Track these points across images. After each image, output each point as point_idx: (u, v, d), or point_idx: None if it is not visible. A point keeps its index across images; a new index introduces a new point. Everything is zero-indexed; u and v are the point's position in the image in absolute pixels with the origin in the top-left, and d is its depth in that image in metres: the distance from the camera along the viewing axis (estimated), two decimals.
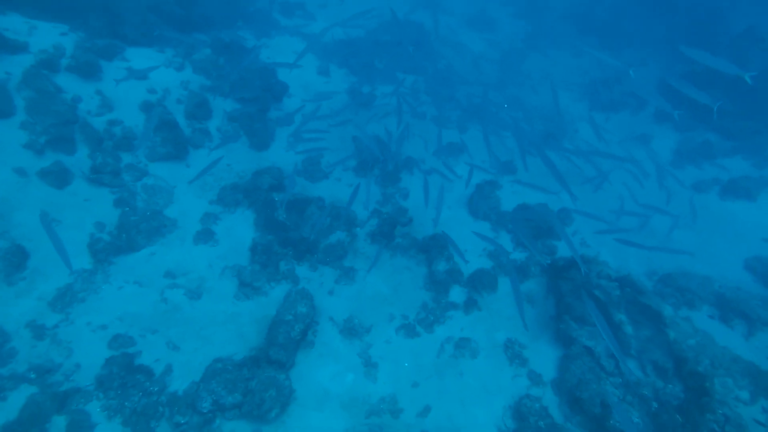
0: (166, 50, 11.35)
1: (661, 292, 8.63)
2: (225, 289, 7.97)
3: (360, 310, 8.14)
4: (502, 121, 13.40)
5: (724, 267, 9.66)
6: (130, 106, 9.81)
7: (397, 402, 6.95)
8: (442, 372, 7.41)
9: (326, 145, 11.33)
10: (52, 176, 8.27)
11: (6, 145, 8.29)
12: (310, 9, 17.18)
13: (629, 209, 10.87)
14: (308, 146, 11.12)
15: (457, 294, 8.64)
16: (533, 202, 10.50)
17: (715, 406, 5.85)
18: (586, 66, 14.99)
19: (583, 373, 6.75)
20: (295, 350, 7.14)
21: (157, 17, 11.22)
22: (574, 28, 16.36)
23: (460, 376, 7.37)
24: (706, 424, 5.88)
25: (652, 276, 9.40)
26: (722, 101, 9.61)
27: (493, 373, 7.42)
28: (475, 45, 17.85)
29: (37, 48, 9.61)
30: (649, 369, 6.63)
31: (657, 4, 14.62)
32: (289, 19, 16.63)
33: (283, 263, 8.46)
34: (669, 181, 11.61)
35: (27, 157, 8.32)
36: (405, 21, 17.30)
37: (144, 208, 8.66)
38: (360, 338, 7.68)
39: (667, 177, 11.65)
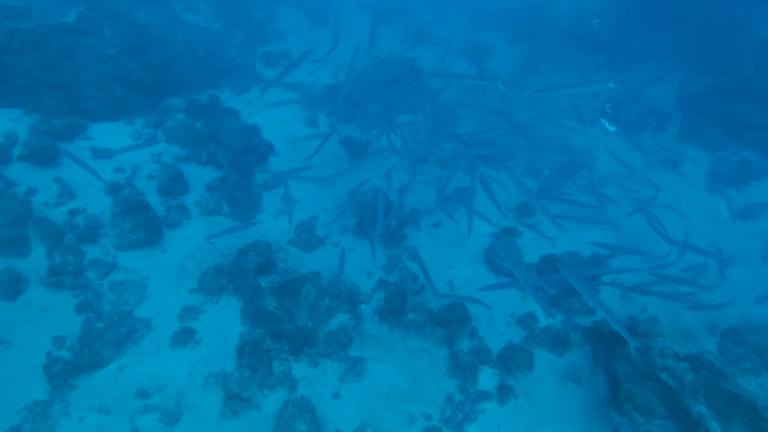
0: (135, 121, 10.32)
1: (734, 355, 7.17)
2: (209, 406, 6.62)
3: (373, 413, 6.75)
4: (513, 158, 12.17)
5: None
6: (95, 190, 8.70)
7: None
8: None
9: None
10: (1, 287, 7.10)
11: None
12: (294, 57, 16.29)
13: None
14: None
15: (487, 378, 7.25)
16: (561, 251, 9.21)
17: None
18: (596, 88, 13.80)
19: None
20: None
21: (123, 88, 10.23)
22: (576, 49, 15.31)
23: None
24: None
25: (714, 330, 7.93)
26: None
27: None
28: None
29: None
30: None
31: (666, 17, 13.52)
32: (273, 69, 15.73)
33: (277, 363, 7.13)
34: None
35: None
36: (396, 58, 16.37)
37: (111, 310, 7.42)
38: None
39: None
